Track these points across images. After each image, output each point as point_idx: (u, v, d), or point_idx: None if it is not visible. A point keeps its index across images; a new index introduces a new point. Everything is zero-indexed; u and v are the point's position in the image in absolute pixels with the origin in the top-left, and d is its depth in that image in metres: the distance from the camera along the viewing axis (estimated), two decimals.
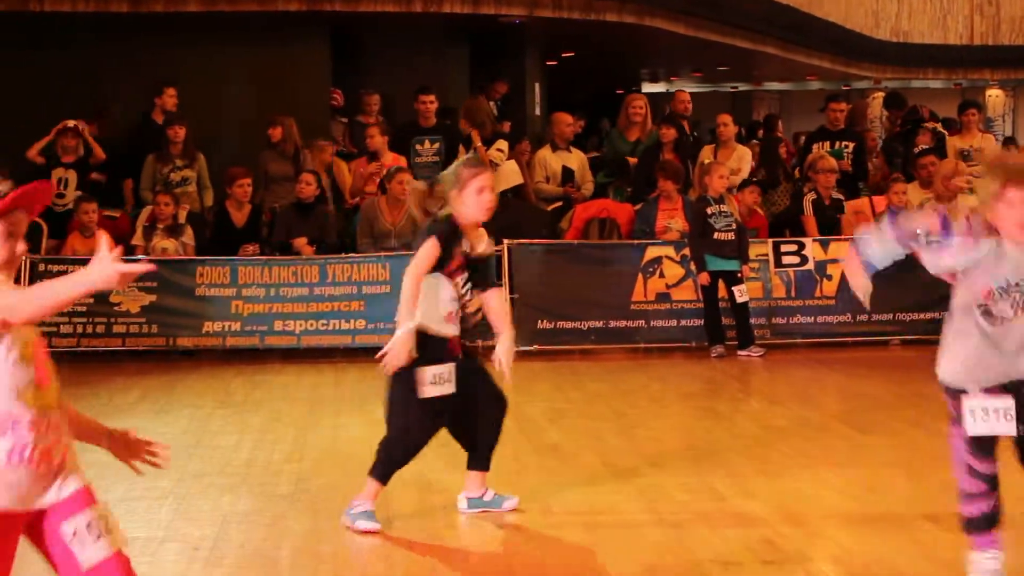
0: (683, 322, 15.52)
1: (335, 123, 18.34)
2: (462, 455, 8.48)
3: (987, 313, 6.45)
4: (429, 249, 8.13)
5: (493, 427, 8.45)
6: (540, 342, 15.35)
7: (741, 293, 14.94)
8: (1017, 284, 6.37)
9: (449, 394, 8.18)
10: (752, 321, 15.15)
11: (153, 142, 16.43)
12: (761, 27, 24.78)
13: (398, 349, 7.93)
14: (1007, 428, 6.36)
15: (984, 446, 6.43)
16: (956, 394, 6.49)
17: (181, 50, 17.18)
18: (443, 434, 8.34)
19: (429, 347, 8.23)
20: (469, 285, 8.55)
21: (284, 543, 7.86)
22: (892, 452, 10.04)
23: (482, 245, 8.52)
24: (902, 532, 7.95)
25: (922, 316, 15.50)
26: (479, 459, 8.47)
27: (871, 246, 6.82)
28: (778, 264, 15.72)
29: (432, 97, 17.00)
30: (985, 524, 6.62)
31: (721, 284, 14.86)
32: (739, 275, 14.94)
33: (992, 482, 6.55)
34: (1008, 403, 6.35)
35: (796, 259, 15.75)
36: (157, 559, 7.58)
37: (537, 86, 22.48)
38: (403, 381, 8.15)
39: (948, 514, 8.27)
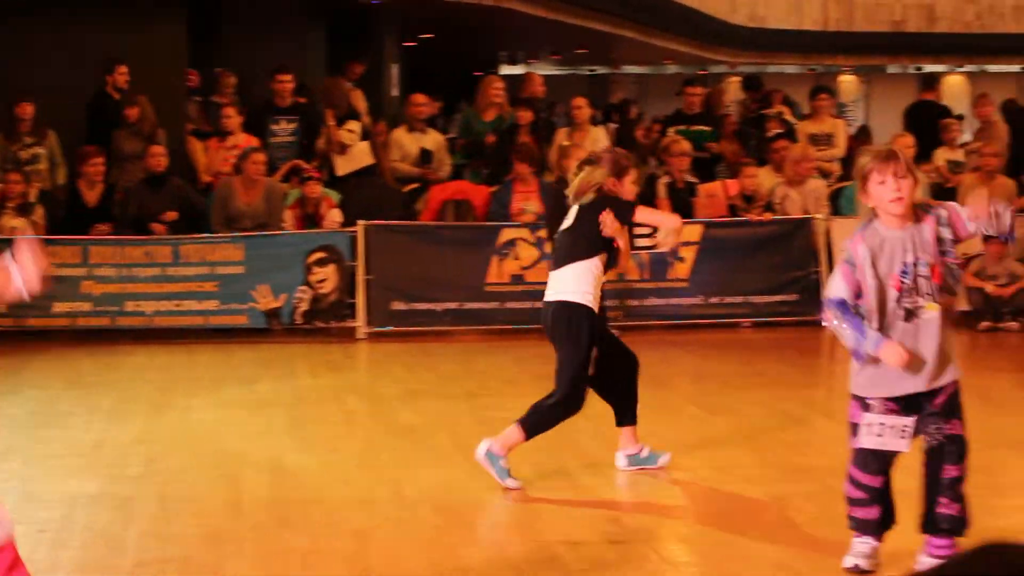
0: (537, 304, 15.44)
1: (190, 103, 18.22)
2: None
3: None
4: None
5: (631, 383, 9.15)
6: (395, 323, 15.35)
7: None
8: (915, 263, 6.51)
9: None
10: (605, 303, 15.23)
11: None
12: (618, 10, 24.90)
13: None
14: None
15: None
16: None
17: (27, 24, 16.96)
18: None
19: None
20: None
21: (131, 525, 7.82)
22: (739, 432, 10.15)
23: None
24: (750, 515, 8.05)
25: (771, 299, 15.76)
26: (626, 414, 8.97)
27: (849, 329, 6.73)
28: (632, 247, 15.79)
29: (289, 77, 16.92)
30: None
31: None
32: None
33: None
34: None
35: (649, 242, 15.84)
36: None
37: (395, 67, 22.49)
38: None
39: (793, 494, 8.41)
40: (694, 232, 15.74)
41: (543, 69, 33.33)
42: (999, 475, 9.20)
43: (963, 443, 6.73)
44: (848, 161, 17.67)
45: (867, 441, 6.57)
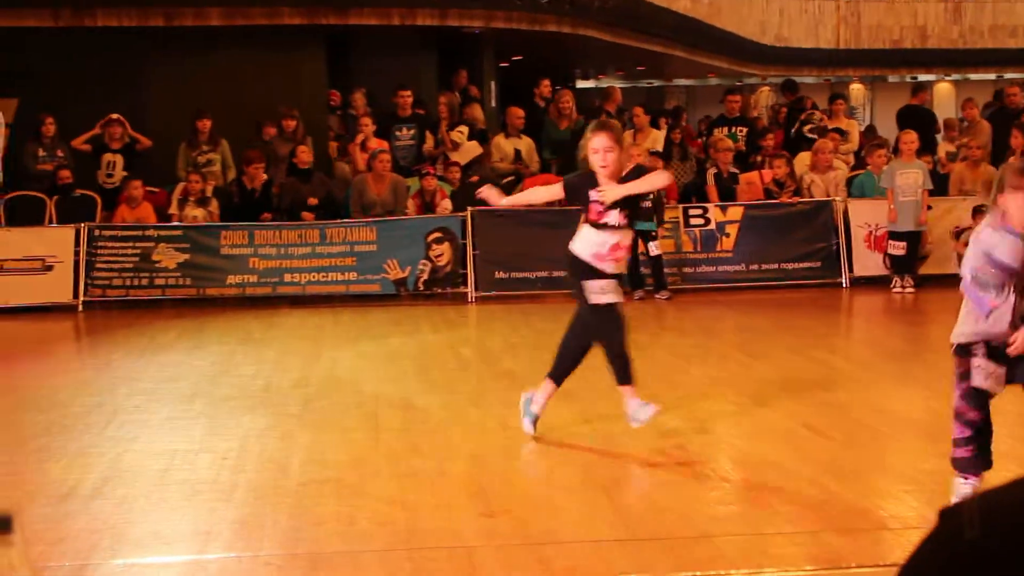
0: None
1: (332, 116, 18.28)
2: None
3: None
4: None
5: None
6: (497, 289, 15.35)
7: (655, 248, 15.04)
8: None
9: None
10: (665, 270, 15.22)
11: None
12: (671, 35, 24.81)
13: None
14: None
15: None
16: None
17: (206, 56, 17.08)
18: None
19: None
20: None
21: (293, 453, 7.85)
22: (777, 374, 10.07)
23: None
24: (786, 439, 7.99)
25: (799, 265, 15.68)
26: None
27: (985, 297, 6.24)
28: (687, 225, 15.76)
29: (408, 92, 17.02)
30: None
31: (640, 241, 14.86)
32: (654, 234, 15.01)
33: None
34: None
35: (701, 221, 15.80)
36: (194, 467, 7.56)
37: (493, 84, 22.42)
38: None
39: (819, 423, 8.33)
40: (737, 212, 15.76)
41: (611, 82, 33.22)
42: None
43: None
44: (859, 153, 17.52)
45: (977, 381, 6.20)
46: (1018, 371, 6.24)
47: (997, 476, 7.01)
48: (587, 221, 8.05)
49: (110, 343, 12.76)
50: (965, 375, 6.29)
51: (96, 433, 8.54)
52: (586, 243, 8.03)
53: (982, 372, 6.23)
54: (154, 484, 7.19)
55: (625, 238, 8.02)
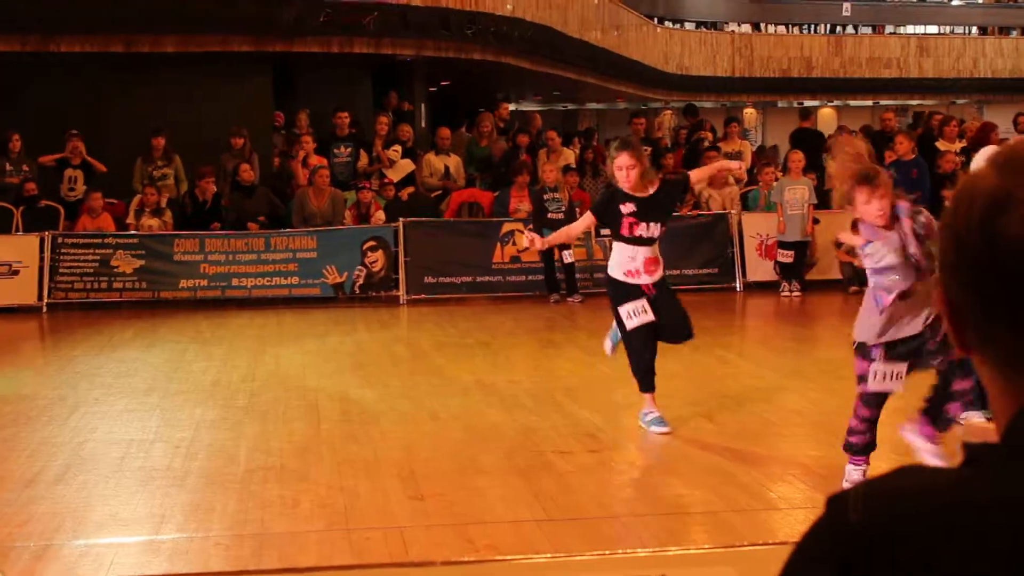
0: (529, 277, 15.55)
1: (277, 135, 18.16)
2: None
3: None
4: None
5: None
6: (426, 292, 15.31)
7: (569, 256, 15.06)
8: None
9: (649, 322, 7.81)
10: (577, 276, 15.24)
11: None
12: (584, 63, 24.87)
13: None
14: None
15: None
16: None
17: (162, 79, 16.92)
18: None
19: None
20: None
21: (241, 442, 7.79)
22: (679, 369, 10.11)
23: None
24: (688, 428, 8.04)
25: (699, 271, 15.77)
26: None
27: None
28: (598, 235, 15.76)
29: (346, 114, 16.93)
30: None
31: (555, 250, 14.88)
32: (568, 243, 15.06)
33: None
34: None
35: (609, 231, 15.84)
36: (150, 455, 7.49)
37: (423, 106, 22.39)
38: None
39: (721, 413, 8.39)
40: None
41: (529, 106, 33.26)
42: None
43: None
44: (752, 172, 17.65)
45: (873, 386, 6.07)
46: (919, 363, 6.24)
47: (880, 463, 7.11)
48: (618, 237, 7.90)
49: (72, 341, 12.60)
50: (862, 378, 6.16)
51: (59, 424, 8.44)
52: (618, 262, 7.91)
53: (879, 375, 6.07)
54: (112, 471, 7.11)
55: (655, 251, 7.85)
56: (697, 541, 5.65)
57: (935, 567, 1.08)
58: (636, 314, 7.82)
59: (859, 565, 1.11)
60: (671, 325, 7.96)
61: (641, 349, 7.88)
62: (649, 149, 17.84)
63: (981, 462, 1.15)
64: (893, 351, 6.14)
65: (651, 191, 7.81)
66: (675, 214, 15.68)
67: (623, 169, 7.73)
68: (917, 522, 1.10)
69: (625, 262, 7.87)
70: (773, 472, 6.92)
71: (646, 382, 7.92)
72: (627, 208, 7.75)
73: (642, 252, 7.80)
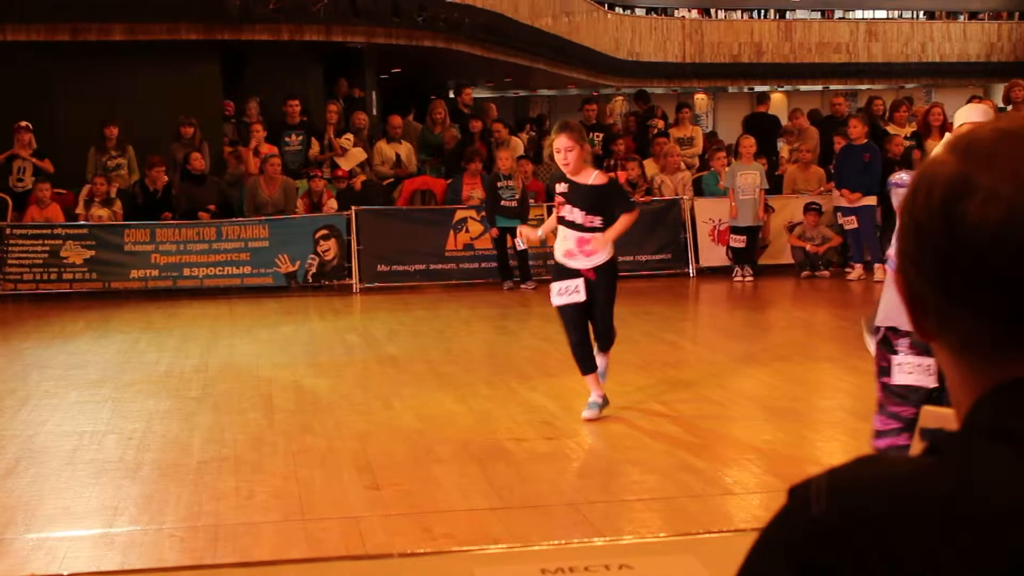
0: (482, 265, 15.54)
1: (227, 124, 18.04)
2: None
3: None
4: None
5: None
6: (380, 280, 15.27)
7: (521, 243, 14.99)
8: None
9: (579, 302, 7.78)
10: (530, 263, 15.22)
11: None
12: (535, 50, 24.85)
13: None
14: None
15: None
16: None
17: (111, 68, 16.76)
18: None
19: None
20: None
21: (195, 433, 7.75)
22: (634, 356, 10.14)
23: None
24: (642, 414, 8.06)
25: (652, 257, 15.82)
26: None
27: None
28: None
29: (296, 102, 16.84)
30: None
31: (507, 237, 14.89)
32: (518, 230, 15.00)
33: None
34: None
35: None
36: (102, 446, 7.43)
37: (374, 94, 22.30)
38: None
39: (674, 400, 8.41)
40: None
41: (481, 93, 33.21)
42: (819, 381, 9.25)
43: None
44: (703, 157, 17.71)
45: (899, 379, 5.23)
46: None
47: (834, 448, 7.16)
48: (559, 219, 7.88)
49: (22, 333, 12.48)
50: (885, 370, 5.26)
51: (9, 417, 8.35)
52: (558, 243, 7.91)
53: (904, 369, 5.39)
54: (64, 463, 7.05)
55: (595, 234, 7.72)
56: (652, 528, 5.66)
57: (899, 559, 1.08)
58: (564, 293, 7.82)
59: (822, 557, 1.11)
60: (595, 328, 7.97)
61: (570, 329, 7.89)
62: (601, 135, 17.92)
63: (943, 451, 1.15)
64: (919, 343, 5.44)
65: (591, 180, 7.73)
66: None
67: (561, 151, 7.69)
68: (881, 514, 1.10)
69: (560, 242, 7.91)
70: (728, 457, 6.95)
71: (581, 365, 7.95)
72: (560, 187, 7.78)
73: (572, 235, 7.78)
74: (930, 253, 1.19)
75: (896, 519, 1.09)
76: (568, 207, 7.72)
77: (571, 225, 7.75)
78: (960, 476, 1.10)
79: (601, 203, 7.74)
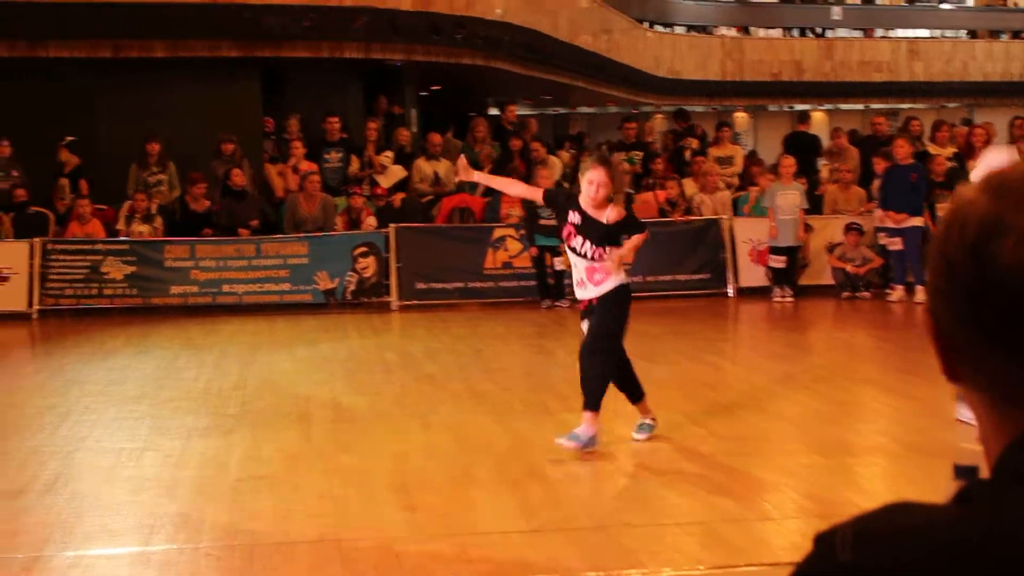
0: (521, 283, 15.53)
1: (267, 140, 18.13)
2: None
3: None
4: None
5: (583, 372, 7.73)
6: (418, 298, 15.29)
7: (560, 263, 15.02)
8: None
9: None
10: (565, 282, 15.18)
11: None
12: (574, 67, 24.86)
13: None
14: None
15: None
16: None
17: (151, 85, 16.89)
18: None
19: None
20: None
21: (232, 451, 7.77)
22: (671, 376, 10.10)
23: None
24: (679, 436, 8.03)
25: (691, 277, 15.78)
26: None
27: None
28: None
29: (336, 119, 16.92)
30: None
31: (547, 256, 14.88)
32: (559, 249, 15.00)
33: None
34: None
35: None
36: (140, 464, 7.47)
37: (414, 111, 22.36)
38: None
39: (711, 420, 8.37)
40: None
41: (520, 110, 33.24)
42: (859, 404, 9.19)
43: None
44: (744, 176, 17.66)
45: (963, 415, 5.32)
46: None
47: (874, 473, 7.12)
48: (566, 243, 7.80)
49: (62, 349, 12.58)
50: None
51: (50, 432, 8.41)
52: (573, 271, 7.84)
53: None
54: (103, 480, 7.09)
55: (601, 264, 7.61)
56: (688, 552, 5.64)
57: None
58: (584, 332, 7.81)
59: None
60: (584, 342, 7.85)
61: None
62: (640, 153, 17.90)
63: (973, 499, 1.14)
64: None
65: (606, 216, 7.59)
66: (666, 219, 15.83)
67: (593, 184, 7.55)
68: (909, 563, 1.09)
69: (573, 271, 7.87)
70: (766, 481, 6.91)
71: (629, 396, 7.99)
72: (573, 216, 7.63)
73: (581, 264, 7.71)
74: (962, 292, 1.18)
75: (924, 567, 1.09)
76: (579, 239, 7.67)
77: (576, 252, 7.73)
78: (991, 524, 1.10)
79: (614, 237, 7.71)
